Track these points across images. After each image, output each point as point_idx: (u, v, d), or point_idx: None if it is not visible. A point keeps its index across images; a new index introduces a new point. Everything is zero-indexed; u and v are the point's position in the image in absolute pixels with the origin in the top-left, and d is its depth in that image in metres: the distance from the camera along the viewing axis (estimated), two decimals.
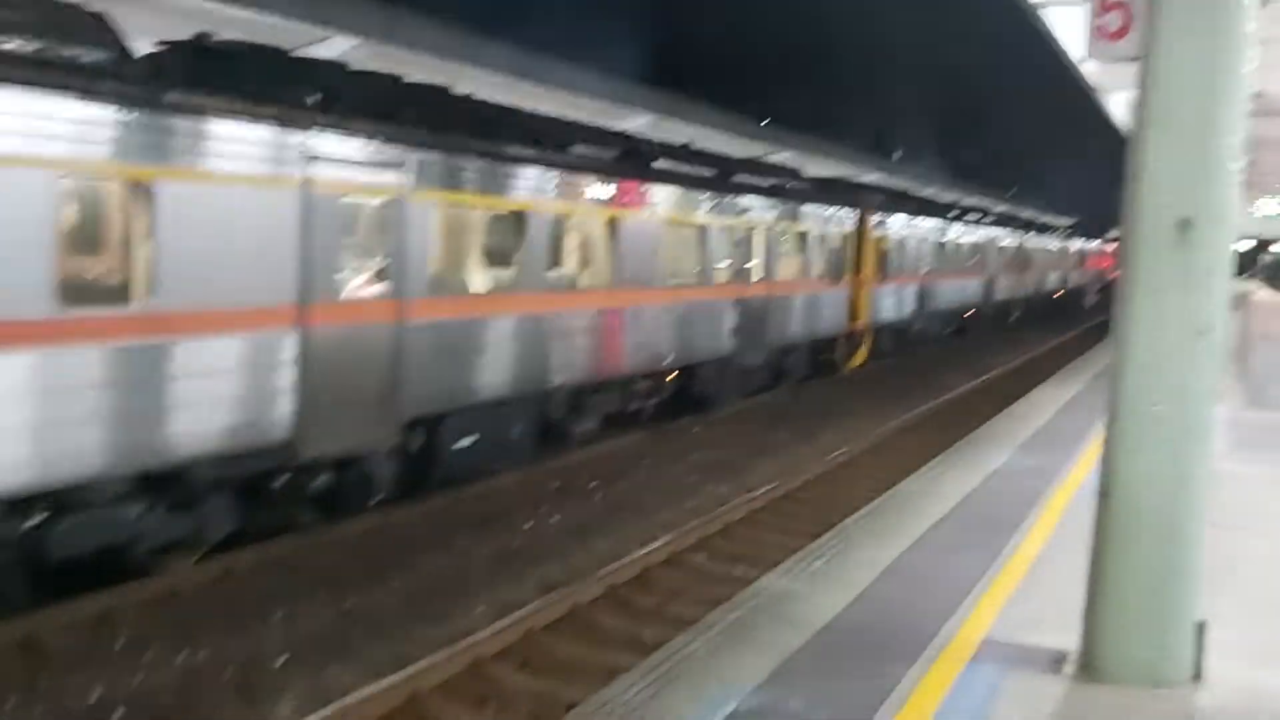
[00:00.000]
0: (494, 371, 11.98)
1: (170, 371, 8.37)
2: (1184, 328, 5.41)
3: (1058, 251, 51.55)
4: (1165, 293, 5.42)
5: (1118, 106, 22.16)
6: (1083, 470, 11.19)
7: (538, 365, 12.81)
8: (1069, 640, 6.15)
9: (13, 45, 7.47)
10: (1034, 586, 7.24)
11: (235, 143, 8.83)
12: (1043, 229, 49.05)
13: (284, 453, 9.39)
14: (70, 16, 8.11)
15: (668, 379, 16.02)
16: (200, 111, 8.57)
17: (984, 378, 25.15)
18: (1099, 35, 5.72)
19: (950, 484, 10.55)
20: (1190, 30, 5.30)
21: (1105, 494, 5.65)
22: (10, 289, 7.23)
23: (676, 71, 21.65)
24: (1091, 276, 63.08)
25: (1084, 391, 17.79)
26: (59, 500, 7.78)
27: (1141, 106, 5.48)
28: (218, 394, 8.79)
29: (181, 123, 8.40)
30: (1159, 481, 5.49)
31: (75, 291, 7.82)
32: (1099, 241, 67.82)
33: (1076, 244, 59.47)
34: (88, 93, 7.73)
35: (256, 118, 8.98)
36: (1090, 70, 17.75)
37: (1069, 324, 43.25)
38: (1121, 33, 5.62)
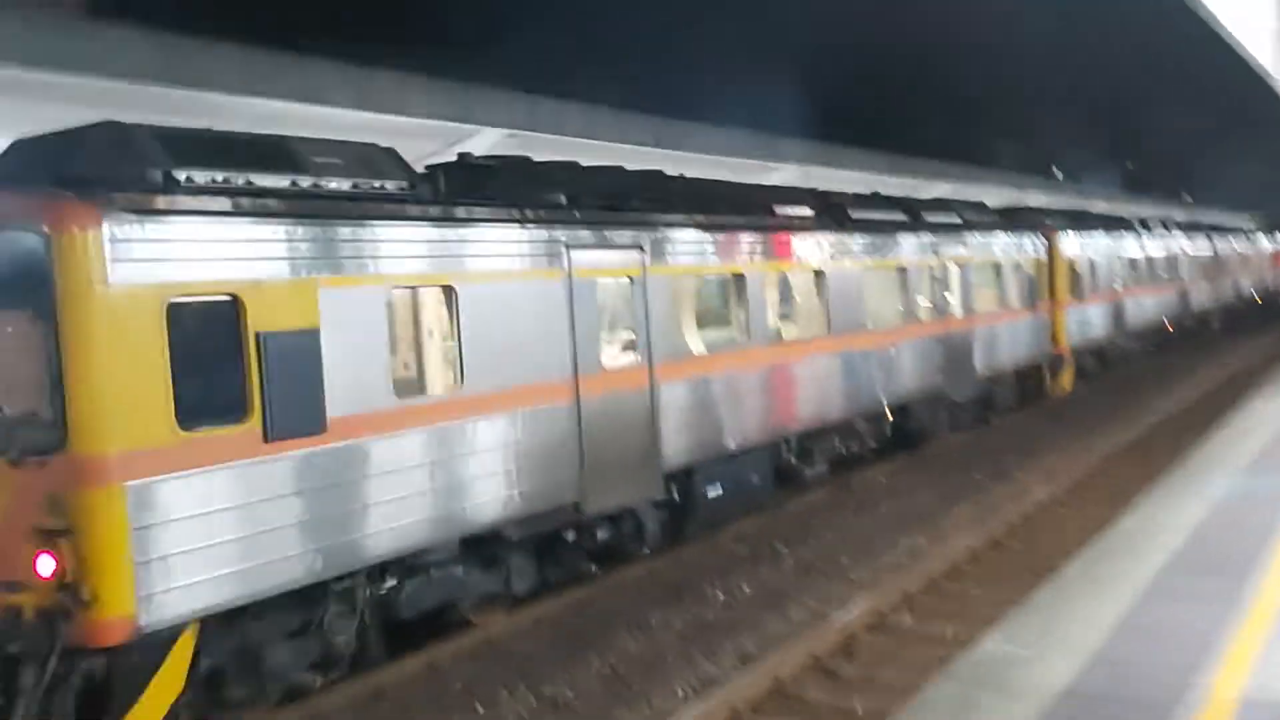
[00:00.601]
0: (731, 424, 12.94)
1: (481, 446, 9.69)
2: None
3: (1248, 252, 49.07)
4: None
5: None
6: None
7: (769, 415, 13.73)
8: None
9: (341, 184, 8.90)
10: None
11: (513, 244, 10.23)
12: (1228, 231, 46.96)
13: (572, 511, 10.66)
14: (372, 152, 9.69)
15: (885, 419, 16.73)
16: (486, 221, 10.00)
17: (1189, 395, 23.98)
18: None
19: (1170, 518, 9.75)
20: None
21: None
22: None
23: (833, 121, 21.56)
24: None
25: None
26: (406, 566, 9.13)
27: None
28: (519, 464, 10.05)
29: (472, 232, 9.84)
30: None
31: (402, 385, 9.30)
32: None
33: (1264, 242, 55.75)
34: (399, 217, 9.18)
35: (527, 221, 10.38)
36: (1263, 54, 16.66)
37: (1271, 329, 40.42)
38: None
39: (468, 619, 10.11)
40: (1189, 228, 39.42)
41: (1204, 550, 8.61)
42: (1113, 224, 30.00)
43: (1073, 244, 24.86)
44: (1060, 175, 41.10)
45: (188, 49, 11.73)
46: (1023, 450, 17.81)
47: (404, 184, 9.50)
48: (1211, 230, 42.69)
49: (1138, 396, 23.66)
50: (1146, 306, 30.51)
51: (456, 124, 14.34)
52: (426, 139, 13.04)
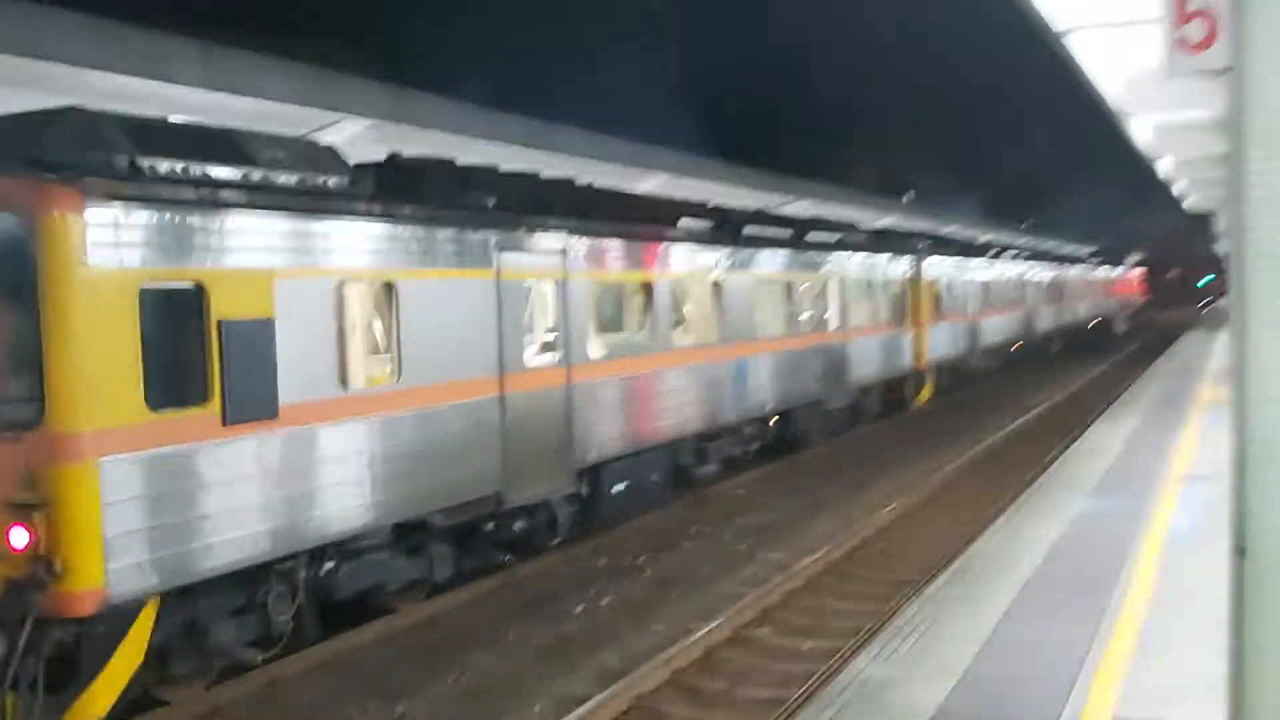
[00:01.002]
0: (638, 424, 13.70)
1: (415, 437, 10.14)
2: None
3: (1087, 281, 52.32)
4: None
5: (1140, 130, 21.79)
6: (1164, 512, 10.55)
7: (670, 417, 14.42)
8: (1203, 715, 5.53)
9: (289, 179, 9.26)
10: (1150, 654, 6.60)
11: (450, 243, 10.71)
12: (1071, 260, 50.09)
13: (494, 502, 11.16)
14: (314, 149, 10.27)
15: (770, 424, 17.70)
16: (426, 221, 10.42)
17: (1033, 413, 25.09)
18: (1179, 49, 5.22)
19: (1031, 535, 9.91)
20: None
21: (1242, 551, 5.02)
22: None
23: (705, 133, 21.76)
24: (1118, 303, 62.47)
25: (1142, 426, 17.12)
26: (342, 550, 9.51)
27: (1238, 122, 4.95)
28: (449, 456, 10.52)
29: (412, 231, 10.26)
30: None
31: (347, 376, 9.57)
32: (1122, 268, 67.27)
33: (1102, 272, 59.11)
34: (346, 213, 9.61)
35: (463, 223, 10.88)
36: (1113, 94, 17.32)
37: (1106, 353, 42.83)
38: (1206, 43, 5.12)
39: (390, 606, 10.54)
40: (1035, 255, 41.86)
41: (1066, 568, 8.74)
42: (970, 249, 32.05)
43: (935, 267, 26.32)
44: (913, 197, 42.75)
45: (25, 14, 10.85)
46: (877, 463, 18.14)
47: (345, 181, 9.84)
48: (1055, 259, 45.42)
49: (985, 412, 24.79)
50: (997, 327, 32.44)
51: (317, 111, 13.68)
52: (283, 125, 12.37)
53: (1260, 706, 5.02)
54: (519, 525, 11.76)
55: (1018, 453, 19.34)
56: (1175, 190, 35.80)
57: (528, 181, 12.90)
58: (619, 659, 9.53)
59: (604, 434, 12.92)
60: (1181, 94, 17.34)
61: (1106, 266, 61.31)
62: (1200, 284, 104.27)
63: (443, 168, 11.67)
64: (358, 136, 13.91)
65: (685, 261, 15.02)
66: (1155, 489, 11.66)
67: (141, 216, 7.71)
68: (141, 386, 7.59)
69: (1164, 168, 28.91)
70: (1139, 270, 77.78)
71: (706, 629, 9.91)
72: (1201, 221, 47.92)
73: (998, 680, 6.33)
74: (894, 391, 23.85)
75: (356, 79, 14.61)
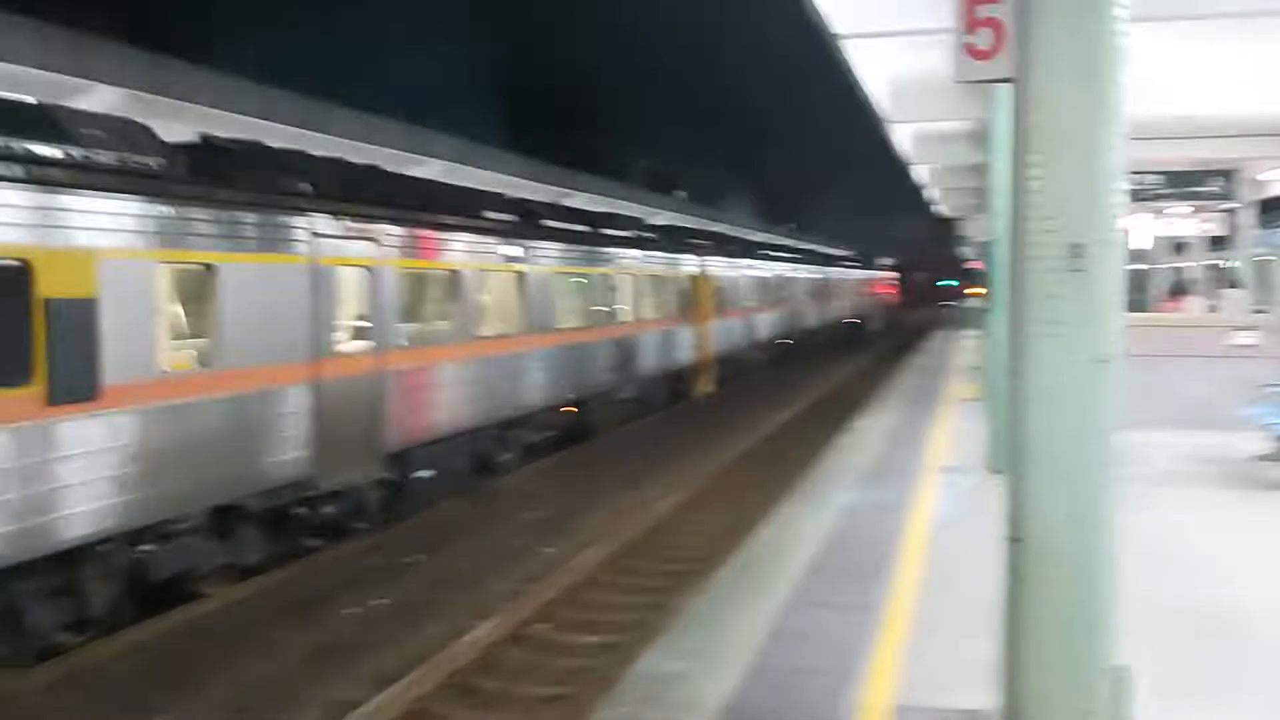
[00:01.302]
0: (444, 411, 14.03)
1: (234, 420, 10.34)
2: (1083, 358, 5.08)
3: (848, 281, 55.58)
4: (1063, 323, 5.09)
5: (902, 139, 22.98)
6: (927, 502, 11.08)
7: (474, 405, 14.84)
8: (977, 699, 5.77)
9: (109, 158, 9.26)
10: (925, 640, 6.85)
11: (268, 228, 10.87)
12: (834, 261, 53.43)
13: (305, 486, 11.35)
14: (130, 127, 10.12)
15: (566, 412, 18.34)
16: (247, 204, 10.56)
17: (801, 405, 26.12)
18: (968, 54, 5.40)
19: (806, 527, 10.18)
20: (1067, 45, 5.03)
21: (1017, 539, 5.26)
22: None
23: (483, 122, 21.67)
24: (874, 303, 66.03)
25: (900, 420, 18.01)
26: (158, 533, 9.62)
27: (1020, 129, 5.18)
28: (264, 440, 10.72)
29: (233, 214, 10.41)
30: (1070, 521, 5.14)
31: (167, 358, 9.79)
32: (877, 270, 71.20)
33: (860, 273, 62.47)
34: (168, 195, 9.66)
35: (280, 208, 11.01)
36: (879, 101, 18.13)
37: (863, 349, 45.13)
38: (993, 51, 5.32)
39: (201, 590, 10.46)
40: (803, 256, 44.55)
41: (841, 557, 9.00)
42: (746, 249, 34.00)
43: (717, 265, 27.74)
44: (684, 196, 43.88)
45: None
46: (652, 456, 18.34)
47: (162, 161, 9.83)
48: (820, 259, 48.47)
49: (760, 404, 25.68)
50: (771, 323, 34.43)
51: (66, 77, 12.53)
52: (26, 89, 11.26)
53: (1033, 685, 5.28)
54: (329, 510, 11.87)
55: (790, 443, 20.03)
56: (927, 196, 38.13)
57: (342, 168, 13.26)
58: (394, 661, 9.18)
59: (412, 421, 13.21)
60: (941, 105, 18.44)
61: (864, 268, 64.85)
62: (943, 285, 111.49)
63: (259, 151, 11.86)
64: (116, 105, 12.85)
65: (490, 253, 15.47)
66: (916, 480, 12.24)
67: None
68: None
69: (919, 174, 30.71)
70: (892, 273, 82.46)
71: (484, 627, 9.70)
72: (948, 227, 51.33)
73: (784, 671, 6.41)
74: (679, 382, 24.92)
75: (111, 44, 13.50)
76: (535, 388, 16.76)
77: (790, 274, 38.43)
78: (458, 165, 22.43)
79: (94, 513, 8.76)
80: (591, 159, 30.54)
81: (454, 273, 14.38)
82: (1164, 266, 38.02)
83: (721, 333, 27.89)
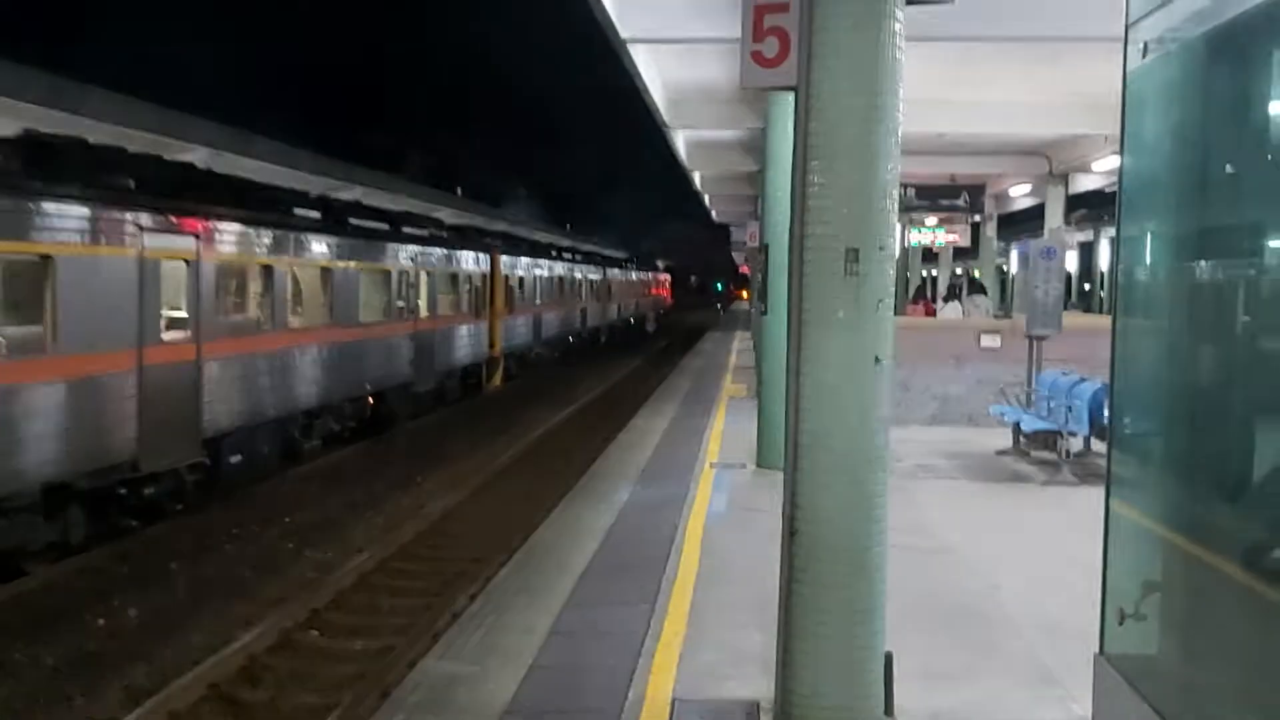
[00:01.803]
0: (254, 399, 14.75)
1: (65, 403, 10.92)
2: (860, 357, 5.30)
3: (628, 282, 57.66)
4: (839, 324, 5.29)
5: (680, 145, 23.49)
6: (703, 497, 11.32)
7: (285, 393, 15.69)
8: (752, 689, 5.92)
9: None
10: (701, 633, 6.97)
11: (99, 221, 11.44)
12: (616, 263, 55.50)
13: (130, 468, 12.01)
14: None
15: (367, 402, 19.16)
16: (80, 199, 11.20)
17: (582, 400, 26.64)
18: (754, 61, 5.53)
19: (585, 524, 10.20)
20: (846, 57, 5.23)
21: (794, 532, 5.42)
22: None
23: (250, 107, 21.00)
24: (651, 304, 67.39)
25: (676, 417, 18.37)
26: None
27: (801, 135, 5.34)
28: (94, 422, 11.39)
29: (66, 209, 10.99)
30: (847, 514, 5.34)
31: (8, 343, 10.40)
32: (654, 272, 72.76)
33: (641, 274, 63.97)
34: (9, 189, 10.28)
35: (113, 202, 11.76)
36: (660, 107, 18.44)
37: (641, 348, 46.06)
38: (779, 59, 5.46)
39: (23, 569, 10.78)
40: (587, 257, 46.20)
41: (620, 554, 9.06)
42: (535, 248, 36.03)
43: (508, 263, 29.21)
44: (461, 193, 43.65)
45: None
46: (428, 457, 18.03)
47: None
48: (602, 261, 50.28)
49: (544, 398, 26.23)
50: (557, 321, 36.10)
51: None
52: None
53: (807, 672, 5.45)
54: (149, 491, 12.41)
55: (572, 439, 20.19)
56: (706, 202, 39.15)
57: (164, 165, 14.33)
58: (150, 675, 8.61)
59: (226, 407, 13.98)
60: (714, 115, 18.98)
61: (642, 270, 66.28)
62: (716, 289, 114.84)
63: (78, 145, 12.40)
64: None
65: (301, 248, 16.31)
66: (693, 476, 12.49)
67: None
68: None
69: (697, 181, 31.48)
70: (667, 275, 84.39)
71: (248, 636, 9.24)
72: (723, 232, 52.87)
73: (564, 669, 6.38)
74: (471, 376, 25.95)
75: None
76: (339, 378, 17.44)
77: (575, 274, 40.01)
78: (225, 154, 21.29)
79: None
80: (372, 154, 29.96)
81: (267, 267, 15.08)
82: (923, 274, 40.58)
83: (513, 329, 29.47)
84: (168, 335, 12.77)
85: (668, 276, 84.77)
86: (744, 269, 58.71)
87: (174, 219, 12.72)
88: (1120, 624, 5.10)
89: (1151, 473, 5.21)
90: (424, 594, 10.94)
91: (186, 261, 13.01)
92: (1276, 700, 3.96)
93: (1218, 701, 4.44)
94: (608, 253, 57.25)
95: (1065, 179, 23.43)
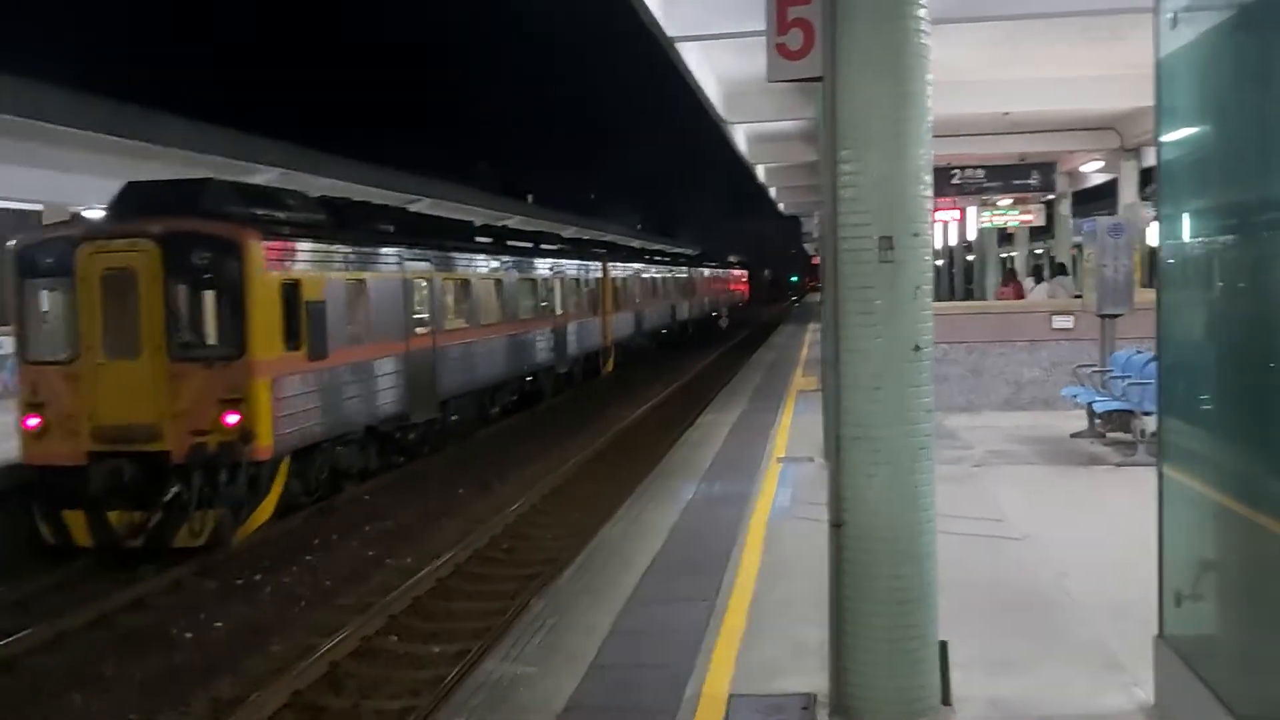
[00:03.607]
0: (466, 376, 20.12)
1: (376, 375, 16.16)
2: (900, 346, 5.28)
3: (707, 279, 60.38)
4: (878, 313, 5.27)
5: (739, 140, 23.42)
6: (768, 493, 11.30)
7: (482, 372, 20.99)
8: (810, 682, 5.91)
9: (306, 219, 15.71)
10: (760, 628, 6.97)
11: (385, 257, 16.93)
12: (695, 261, 59.36)
13: (404, 419, 17.22)
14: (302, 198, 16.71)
15: (527, 380, 24.58)
16: (376, 243, 16.87)
17: (674, 385, 29.48)
18: (780, 54, 5.53)
19: (650, 522, 10.25)
20: (872, 45, 5.21)
21: (839, 524, 5.42)
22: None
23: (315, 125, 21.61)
24: (727, 299, 67.52)
25: (746, 413, 18.33)
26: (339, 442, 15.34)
27: (831, 126, 5.33)
28: (389, 386, 16.51)
29: (370, 250, 16.47)
30: (892, 504, 5.33)
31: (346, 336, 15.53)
32: (729, 268, 73.01)
33: (721, 271, 65.36)
34: (336, 239, 15.53)
35: (390, 243, 17.28)
36: (715, 104, 18.42)
37: (716, 344, 46.14)
38: (803, 51, 5.45)
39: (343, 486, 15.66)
40: (674, 259, 52.26)
41: (682, 552, 9.09)
42: (633, 255, 42.30)
43: (615, 269, 34.68)
44: (531, 199, 44.29)
45: None
46: (499, 463, 18.23)
47: (324, 218, 16.43)
48: (684, 261, 54.64)
49: (642, 383, 30.13)
50: (653, 316, 41.45)
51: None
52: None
53: (860, 662, 5.43)
54: (411, 436, 17.60)
55: (645, 436, 20.59)
56: (772, 195, 38.99)
57: (402, 211, 21.57)
58: (235, 685, 8.86)
59: (450, 380, 18.98)
60: (772, 106, 18.90)
61: (722, 268, 67.10)
62: (789, 281, 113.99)
63: (356, 204, 18.85)
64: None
65: (485, 266, 21.80)
66: (758, 471, 12.46)
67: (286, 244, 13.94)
68: (284, 339, 13.53)
69: (761, 174, 31.36)
70: (744, 271, 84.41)
71: (329, 644, 9.46)
72: (793, 224, 52.56)
73: (623, 668, 6.44)
74: (590, 363, 31.10)
75: None
76: (511, 362, 22.81)
77: (666, 275, 45.54)
78: (291, 172, 21.81)
79: (341, 419, 15.12)
80: (434, 163, 30.78)
81: (466, 281, 20.49)
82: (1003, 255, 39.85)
83: (621, 324, 34.90)
84: (418, 330, 17.75)
85: (745, 273, 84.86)
86: (816, 260, 58.50)
87: (420, 250, 18.18)
88: (1178, 605, 5.01)
89: (1206, 446, 5.10)
90: (499, 596, 11.09)
91: (427, 280, 18.33)
92: None
93: (1273, 683, 4.34)
94: (688, 253, 61.16)
95: (1137, 153, 22.86)
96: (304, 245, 14.16)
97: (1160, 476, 5.26)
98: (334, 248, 15.07)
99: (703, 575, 8.22)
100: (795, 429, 15.64)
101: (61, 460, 12.57)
